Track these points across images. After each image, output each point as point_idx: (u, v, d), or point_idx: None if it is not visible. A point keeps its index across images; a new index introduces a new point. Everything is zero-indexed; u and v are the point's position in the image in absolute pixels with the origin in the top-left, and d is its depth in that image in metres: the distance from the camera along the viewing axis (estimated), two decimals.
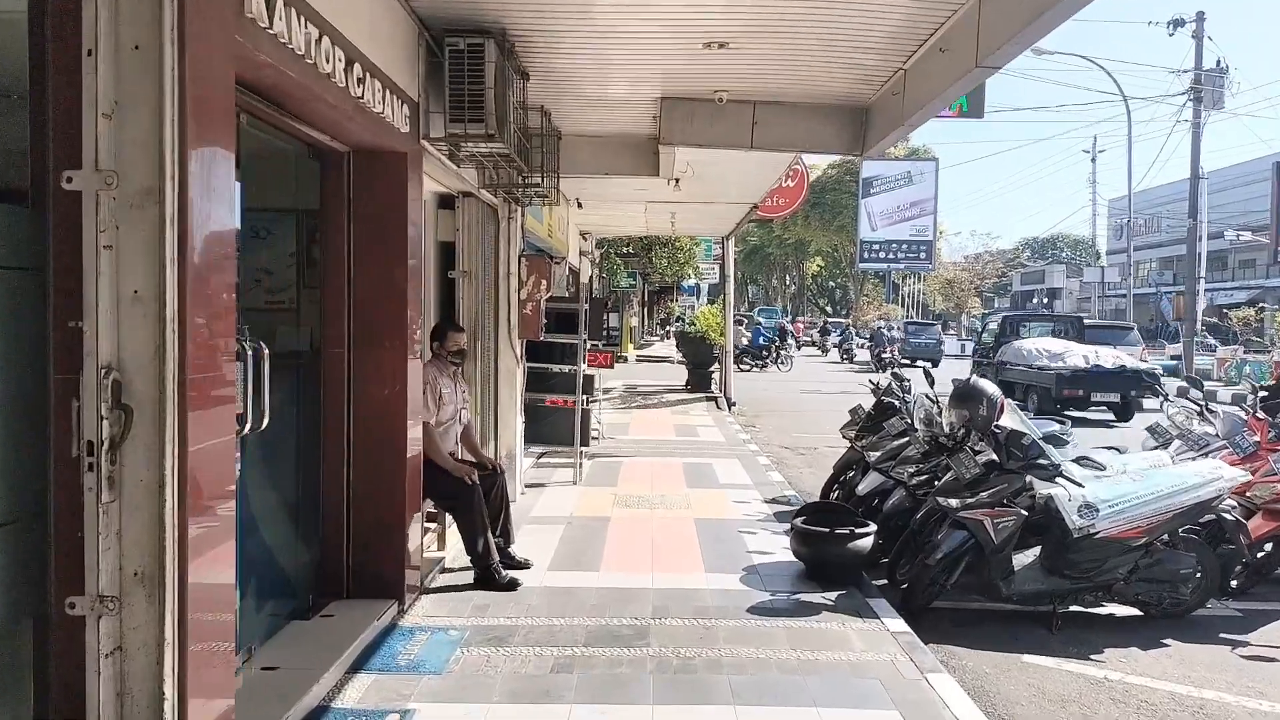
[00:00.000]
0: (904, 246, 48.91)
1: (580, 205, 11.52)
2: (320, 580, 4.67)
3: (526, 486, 7.99)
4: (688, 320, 20.51)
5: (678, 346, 20.63)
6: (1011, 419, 5.28)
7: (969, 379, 5.19)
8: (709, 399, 16.36)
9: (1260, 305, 41.32)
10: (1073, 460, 5.14)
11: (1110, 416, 14.88)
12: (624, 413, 14.45)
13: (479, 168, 6.46)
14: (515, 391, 7.49)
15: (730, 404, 15.76)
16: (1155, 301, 58.55)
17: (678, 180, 9.61)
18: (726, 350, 16.16)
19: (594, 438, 10.91)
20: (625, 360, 27.32)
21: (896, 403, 7.04)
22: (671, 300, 46.26)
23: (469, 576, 5.20)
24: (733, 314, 16.59)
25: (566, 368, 8.56)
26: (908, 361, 27.26)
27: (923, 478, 6.06)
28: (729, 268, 16.03)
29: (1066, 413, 12.42)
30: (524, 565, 5.56)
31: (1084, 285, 71.84)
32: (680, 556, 5.86)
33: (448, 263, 6.74)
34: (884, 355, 28.25)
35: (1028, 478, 4.99)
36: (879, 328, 30.79)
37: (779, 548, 6.10)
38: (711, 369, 17.48)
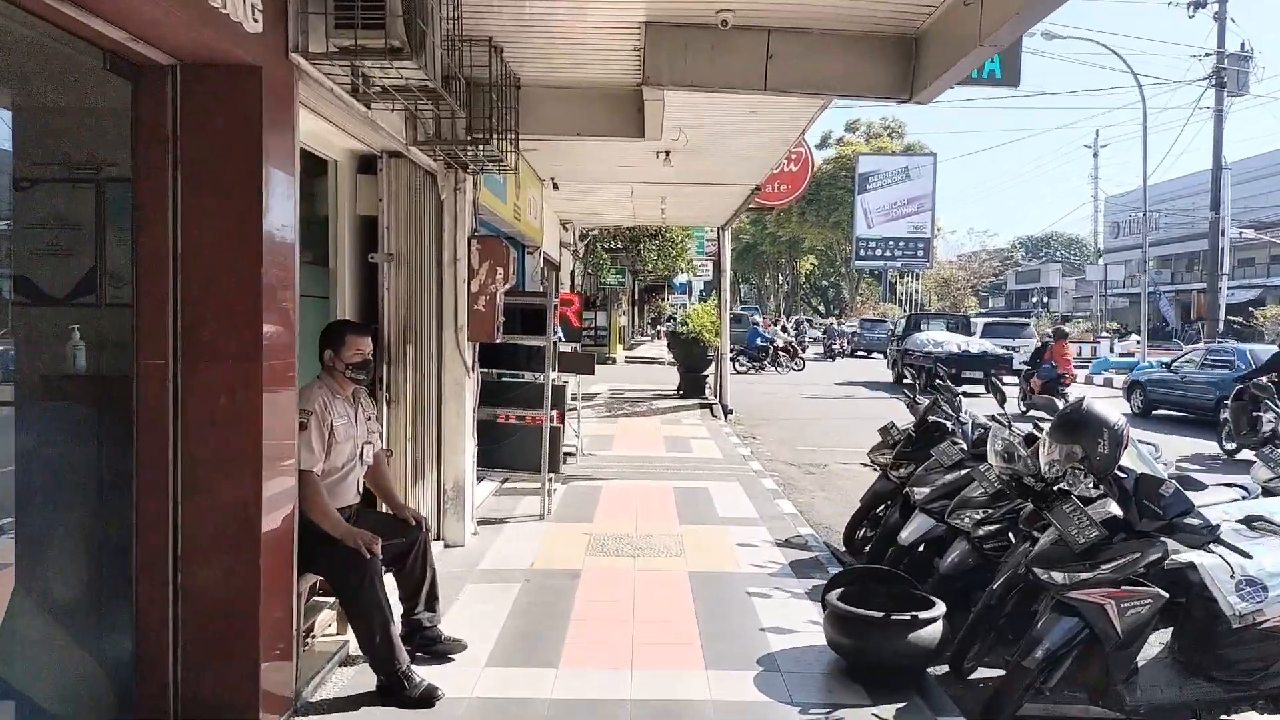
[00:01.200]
0: (901, 244, 47.74)
1: (556, 186, 9.99)
2: (132, 707, 3.13)
3: (480, 524, 6.46)
4: (679, 319, 19.01)
5: (669, 347, 19.12)
6: (1133, 456, 3.78)
7: (1080, 403, 3.68)
8: (703, 406, 14.84)
9: None
10: (1238, 521, 3.64)
11: (980, 390, 17.18)
12: (608, 422, 12.92)
13: (406, 116, 4.93)
14: (465, 408, 5.96)
15: (727, 412, 14.26)
16: (1154, 301, 57.45)
17: (668, 153, 8.11)
18: (723, 352, 14.64)
19: (569, 453, 9.40)
20: (613, 362, 25.83)
21: (948, 424, 5.54)
22: (662, 299, 44.78)
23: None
24: (729, 312, 15.07)
25: (533, 376, 7.04)
26: (864, 354, 31.49)
27: (992, 527, 4.57)
28: (725, 261, 14.51)
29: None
30: (454, 649, 4.04)
31: (1080, 284, 70.72)
32: (671, 639, 4.34)
33: (371, 244, 5.21)
34: (834, 347, 31.92)
35: (1168, 543, 3.49)
36: (830, 323, 34.40)
37: (801, 621, 4.59)
38: (706, 373, 15.96)
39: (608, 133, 6.06)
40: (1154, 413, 15.38)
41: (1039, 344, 16.30)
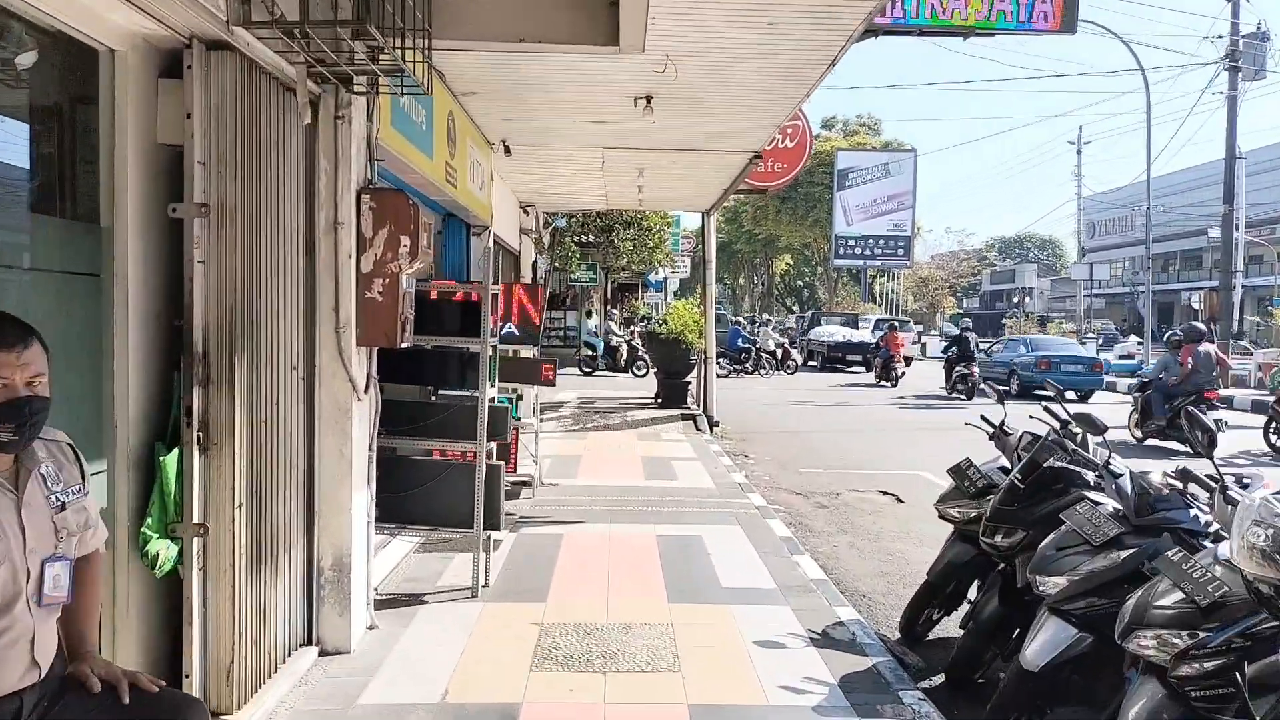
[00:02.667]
0: (881, 242, 46.42)
1: (509, 151, 8.03)
2: None
3: (384, 606, 4.50)
4: (657, 319, 17.14)
5: (645, 349, 17.23)
6: None
7: None
8: (685, 417, 12.95)
9: None
10: None
11: (863, 372, 24.63)
12: (575, 438, 10.99)
13: None
14: (352, 443, 4.00)
15: (712, 424, 12.38)
16: (1131, 302, 56.76)
17: (649, 100, 6.24)
18: (707, 355, 12.76)
19: (523, 483, 7.48)
20: None
21: (1087, 474, 3.68)
22: (636, 298, 42.85)
23: None
24: (713, 310, 13.21)
25: (463, 393, 5.10)
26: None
27: (1209, 664, 2.71)
28: (710, 251, 12.61)
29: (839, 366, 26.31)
30: None
31: (1055, 284, 69.84)
32: None
33: (175, 191, 3.23)
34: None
35: None
36: (766, 319, 36.67)
37: None
38: (688, 378, 14.07)
39: (567, 39, 4.12)
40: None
41: (881, 334, 22.81)
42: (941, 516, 4.54)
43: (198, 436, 3.14)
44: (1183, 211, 49.71)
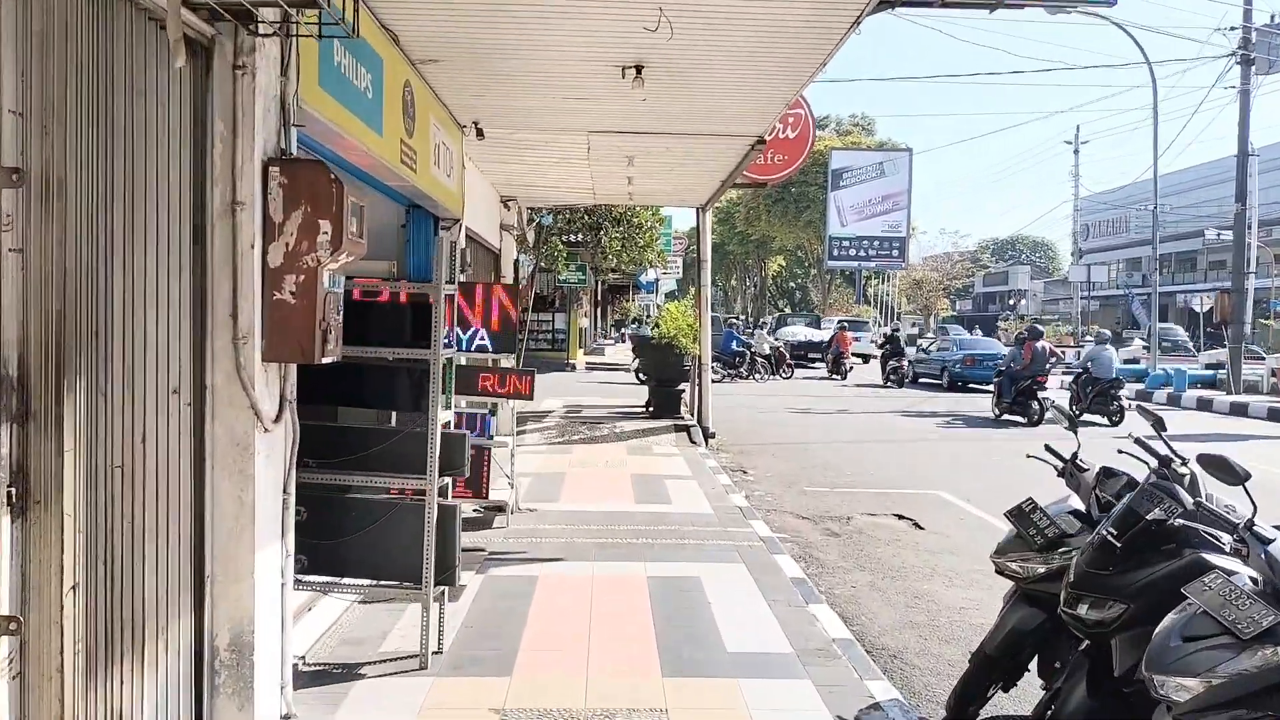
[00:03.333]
0: (875, 243, 45.66)
1: (481, 134, 7.14)
2: None
3: (312, 678, 3.62)
4: (650, 321, 16.25)
5: (636, 354, 16.34)
6: None
7: None
8: (678, 428, 12.06)
9: None
10: None
11: (823, 368, 25.83)
12: (559, 452, 10.10)
13: None
14: (255, 485, 3.11)
15: (708, 435, 11.52)
16: (1127, 304, 56.16)
17: (639, 70, 5.37)
18: (703, 362, 11.88)
19: (496, 509, 6.62)
20: (572, 369, 23.02)
21: (1211, 532, 2.82)
22: (627, 299, 41.98)
23: None
24: (709, 312, 12.33)
25: (409, 416, 4.21)
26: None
27: None
28: (706, 248, 11.74)
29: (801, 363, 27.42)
30: None
31: (1049, 286, 69.27)
32: None
33: None
34: None
35: None
36: (763, 322, 37.80)
37: None
38: (681, 386, 13.20)
39: None
40: (919, 380, 22.32)
41: (831, 334, 25.83)
42: (1000, 571, 3.67)
43: (9, 494, 2.25)
44: (1177, 213, 49.13)
